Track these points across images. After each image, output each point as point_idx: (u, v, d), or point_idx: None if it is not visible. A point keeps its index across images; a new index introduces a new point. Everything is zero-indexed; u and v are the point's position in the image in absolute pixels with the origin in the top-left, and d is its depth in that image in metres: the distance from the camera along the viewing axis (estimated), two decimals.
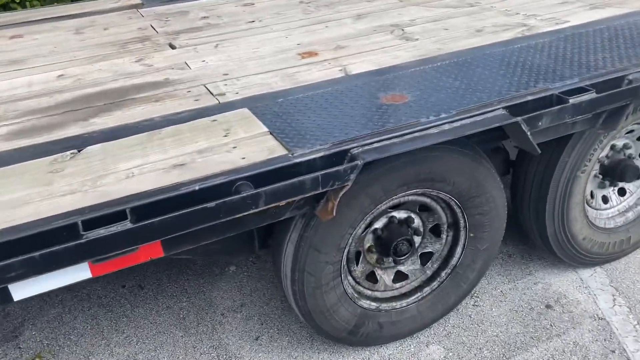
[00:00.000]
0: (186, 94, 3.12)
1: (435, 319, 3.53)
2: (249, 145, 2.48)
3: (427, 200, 3.22)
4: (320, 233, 2.86)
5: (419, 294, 3.45)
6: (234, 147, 2.47)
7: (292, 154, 2.41)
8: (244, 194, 2.22)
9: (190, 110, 2.90)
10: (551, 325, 3.58)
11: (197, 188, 2.18)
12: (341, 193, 2.49)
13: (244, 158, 2.37)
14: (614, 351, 3.38)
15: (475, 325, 3.60)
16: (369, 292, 3.37)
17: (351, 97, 2.92)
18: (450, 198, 3.15)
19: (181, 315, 3.80)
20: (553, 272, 3.99)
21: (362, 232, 3.14)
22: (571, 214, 3.59)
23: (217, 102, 3.00)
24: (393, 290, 3.43)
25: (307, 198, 2.57)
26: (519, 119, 2.71)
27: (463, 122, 2.65)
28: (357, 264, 3.26)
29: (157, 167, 2.34)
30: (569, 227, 3.62)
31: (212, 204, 2.17)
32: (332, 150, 2.45)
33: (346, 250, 3.06)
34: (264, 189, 2.26)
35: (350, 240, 3.03)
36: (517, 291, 3.84)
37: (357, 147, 2.46)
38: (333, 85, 3.10)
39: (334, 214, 2.54)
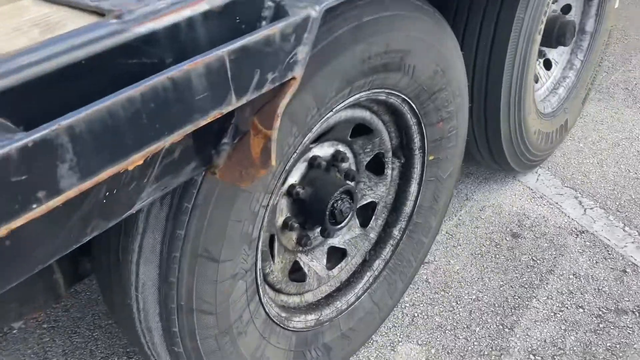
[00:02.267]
0: None
1: (395, 305, 2.23)
2: None
3: (366, 114, 1.81)
4: (213, 220, 1.30)
5: (368, 273, 2.08)
6: None
7: (118, 16, 0.79)
8: None
9: None
10: (534, 260, 2.54)
11: None
12: (281, 105, 0.94)
13: None
14: (625, 270, 2.48)
15: (443, 295, 2.39)
16: (297, 300, 1.90)
17: None
18: (404, 100, 1.79)
19: None
20: (493, 188, 2.95)
21: (275, 198, 1.63)
22: (527, 98, 2.52)
23: None
24: (331, 281, 2.01)
25: (185, 144, 0.97)
26: None
27: None
28: (272, 260, 1.75)
29: None
30: (524, 118, 2.56)
31: None
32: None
33: (259, 242, 1.54)
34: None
35: (264, 219, 1.51)
36: (467, 226, 2.72)
37: None
38: None
39: (273, 163, 0.99)
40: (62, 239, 0.79)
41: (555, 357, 2.13)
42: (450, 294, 2.39)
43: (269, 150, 0.94)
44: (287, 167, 1.49)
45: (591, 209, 2.80)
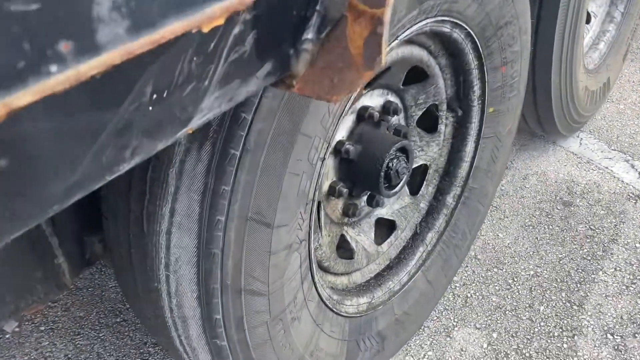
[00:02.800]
0: None
1: (448, 284, 1.94)
2: None
3: (423, 55, 1.52)
4: (266, 171, 1.00)
5: (421, 248, 1.79)
6: None
7: None
8: None
9: None
10: (592, 229, 2.27)
11: None
12: None
13: None
14: None
15: (496, 272, 2.11)
16: (345, 281, 1.60)
17: None
18: (468, 35, 1.50)
19: None
20: (533, 155, 2.68)
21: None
22: (578, 49, 2.25)
23: None
24: (380, 258, 1.72)
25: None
26: None
27: None
28: (321, 231, 1.45)
29: None
30: (575, 71, 2.29)
31: None
32: None
33: (314, 205, 1.24)
34: None
35: (320, 176, 1.22)
36: (511, 197, 2.45)
37: None
38: None
39: (384, 59, 0.69)
40: (91, 159, 0.48)
41: (636, 335, 1.86)
42: (504, 270, 2.11)
43: (379, 39, 0.64)
44: (345, 108, 1.19)
45: None
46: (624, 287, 2.01)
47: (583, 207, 2.37)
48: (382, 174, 1.46)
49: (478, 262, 2.15)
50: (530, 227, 2.29)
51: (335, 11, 0.67)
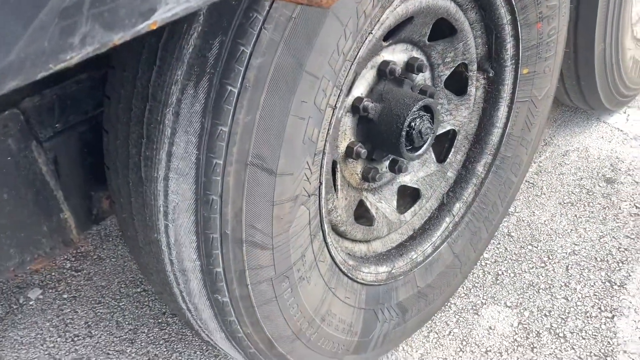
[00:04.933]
0: None
1: (478, 259, 1.83)
2: None
3: (451, 6, 1.41)
4: (267, 110, 0.93)
5: (447, 219, 1.70)
6: None
7: None
8: None
9: None
10: (637, 207, 2.11)
11: None
12: None
13: None
14: None
15: (530, 250, 1.99)
16: (364, 249, 1.52)
17: None
18: None
19: None
20: (575, 132, 2.52)
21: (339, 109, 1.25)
22: (625, 15, 2.09)
23: None
24: (403, 227, 1.63)
25: None
26: None
27: None
28: (336, 194, 1.37)
29: None
30: (622, 38, 2.13)
31: None
32: None
33: (324, 158, 1.16)
34: None
35: (331, 126, 1.14)
36: (549, 173, 2.31)
37: None
38: None
39: None
40: (30, 39, 0.43)
41: None
42: (539, 248, 1.98)
43: None
44: (359, 54, 1.11)
45: None
46: None
47: (627, 184, 2.21)
48: (404, 134, 1.37)
49: (511, 239, 2.03)
50: (569, 205, 2.15)
51: None
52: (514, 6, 1.45)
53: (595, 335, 1.68)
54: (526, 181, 2.27)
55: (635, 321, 1.72)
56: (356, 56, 1.10)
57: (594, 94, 2.25)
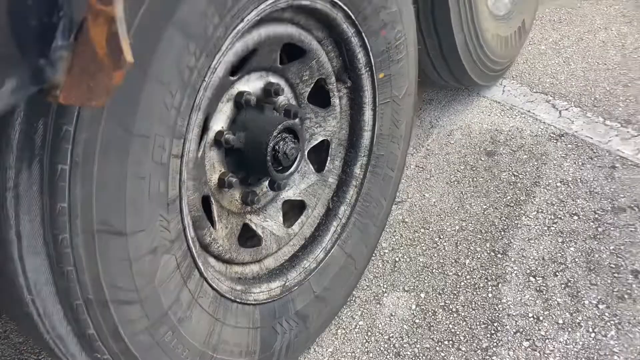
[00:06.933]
0: None
1: (371, 253, 1.95)
2: None
3: (293, 31, 1.49)
4: (104, 179, 0.98)
5: (334, 223, 1.79)
6: None
7: None
8: None
9: None
10: (515, 175, 2.28)
11: None
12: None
13: None
14: (614, 166, 2.24)
15: (423, 233, 2.12)
16: (257, 269, 1.60)
17: None
18: (333, 4, 1.47)
19: None
20: (458, 110, 2.68)
21: (196, 149, 1.31)
22: (478, 1, 2.23)
23: None
24: (293, 239, 1.72)
25: None
26: None
27: None
28: (213, 226, 1.44)
29: None
30: (479, 22, 2.28)
31: None
32: None
33: (182, 203, 1.22)
34: None
35: (182, 173, 1.20)
36: (436, 155, 2.45)
37: None
38: None
39: (128, 57, 0.67)
40: None
41: (557, 273, 1.89)
42: (431, 229, 2.12)
43: (117, 37, 0.62)
44: (197, 102, 1.17)
45: (566, 109, 2.56)
46: (545, 229, 2.04)
47: (506, 154, 2.39)
48: (269, 158, 1.44)
49: (405, 225, 2.16)
50: (455, 183, 2.30)
51: (79, 14, 0.64)
52: (355, 20, 1.54)
53: (483, 304, 1.84)
54: (416, 166, 2.41)
55: (517, 284, 1.88)
56: (193, 104, 1.16)
57: (464, 74, 2.40)
